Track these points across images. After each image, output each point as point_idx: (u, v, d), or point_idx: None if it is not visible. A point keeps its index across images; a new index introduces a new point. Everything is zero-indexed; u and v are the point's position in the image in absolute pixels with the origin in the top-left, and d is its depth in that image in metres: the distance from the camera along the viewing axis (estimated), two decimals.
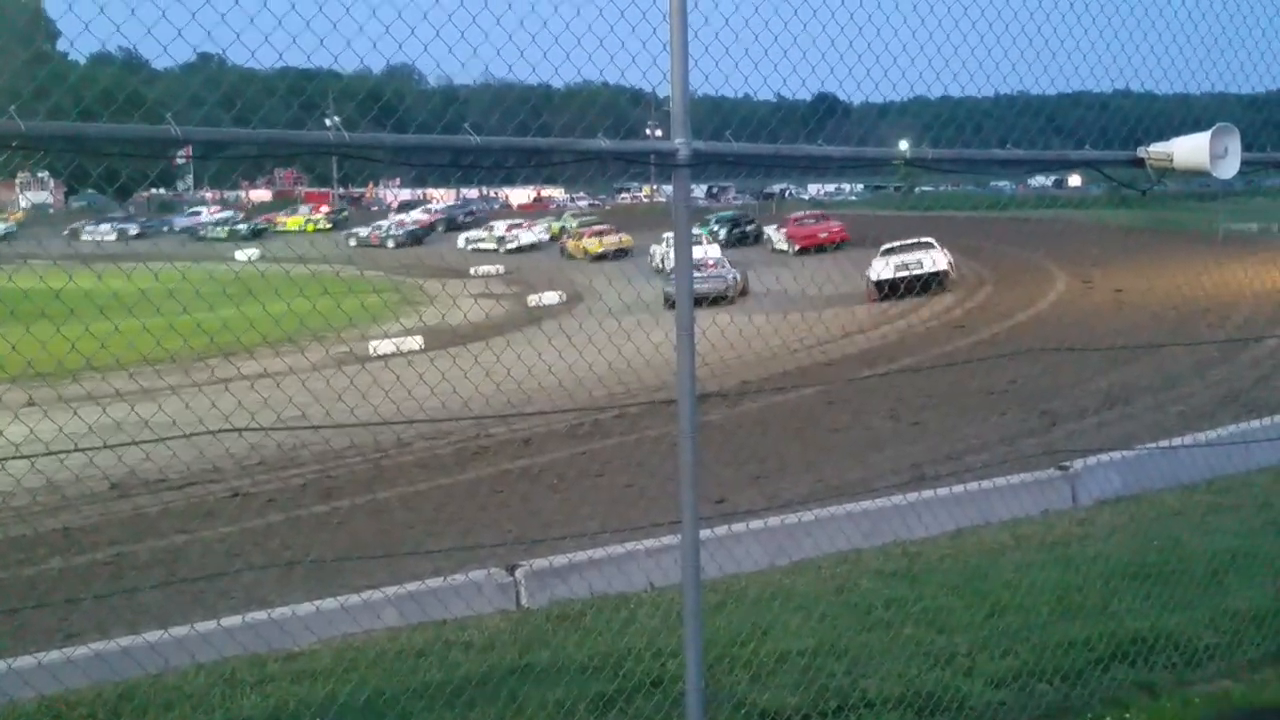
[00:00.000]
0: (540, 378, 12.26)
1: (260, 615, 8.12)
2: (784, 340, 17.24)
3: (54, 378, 21.27)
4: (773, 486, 15.01)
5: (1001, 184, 54.02)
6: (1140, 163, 6.49)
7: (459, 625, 8.24)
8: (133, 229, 68.82)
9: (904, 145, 6.96)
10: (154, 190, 76.01)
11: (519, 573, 9.04)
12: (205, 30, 5.07)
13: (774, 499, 13.63)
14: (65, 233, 64.39)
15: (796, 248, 50.13)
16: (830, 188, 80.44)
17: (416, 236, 67.54)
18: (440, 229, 70.58)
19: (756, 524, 9.65)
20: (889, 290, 33.96)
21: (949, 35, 6.78)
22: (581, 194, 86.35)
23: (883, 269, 36.12)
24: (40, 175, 75.78)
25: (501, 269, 52.66)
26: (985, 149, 6.72)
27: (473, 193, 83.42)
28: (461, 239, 67.19)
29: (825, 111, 7.31)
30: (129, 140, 5.30)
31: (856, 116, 8.62)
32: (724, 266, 38.29)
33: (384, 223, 69.76)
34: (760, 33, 5.91)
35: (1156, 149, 6.41)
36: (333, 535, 14.09)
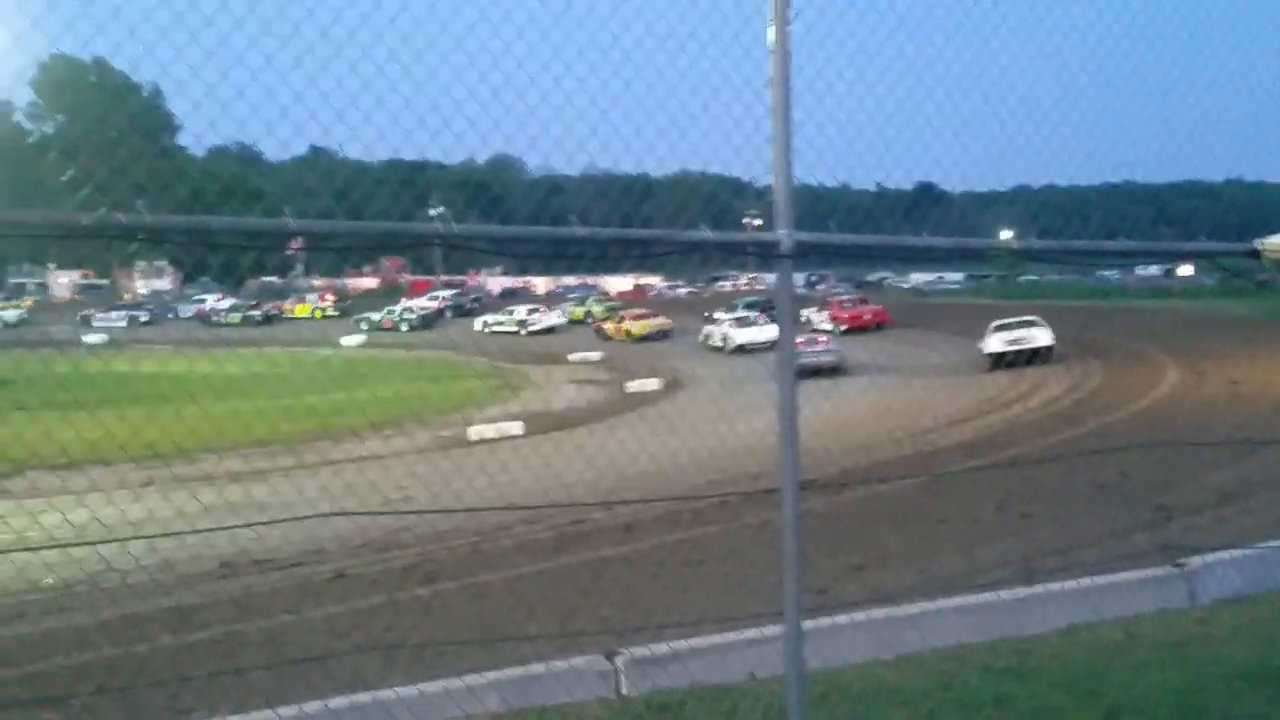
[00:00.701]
0: (640, 463, 12.35)
1: (364, 697, 8.17)
2: (885, 426, 17.07)
3: (172, 458, 21.88)
4: (876, 578, 14.81)
5: (1108, 273, 53.44)
6: (1256, 254, 6.41)
7: (559, 713, 8.21)
8: (143, 316, 71.88)
9: (1008, 235, 6.94)
10: (265, 279, 77.94)
11: (619, 660, 8.98)
12: (320, 125, 5.24)
13: (877, 591, 13.42)
14: (78, 319, 67.23)
15: (843, 328, 54.31)
16: (930, 275, 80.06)
17: (427, 321, 69.53)
18: (448, 314, 72.69)
19: (860, 616, 9.52)
20: (1001, 362, 39.10)
21: (1055, 125, 6.78)
22: (679, 281, 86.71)
23: (996, 343, 41.60)
24: (158, 264, 78.11)
25: (599, 355, 52.93)
26: (1093, 239, 6.68)
27: (572, 280, 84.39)
28: (479, 322, 68.74)
29: (926, 200, 7.32)
30: (248, 232, 5.48)
31: (958, 205, 8.61)
32: (832, 341, 41.55)
33: (395, 308, 71.59)
34: (862, 125, 5.97)
35: (1272, 241, 6.34)
36: (434, 618, 14.14)
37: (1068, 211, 7.38)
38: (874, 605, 10.59)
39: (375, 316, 69.94)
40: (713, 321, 57.38)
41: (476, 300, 77.52)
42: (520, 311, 68.68)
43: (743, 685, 8.27)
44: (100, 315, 70.52)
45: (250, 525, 8.75)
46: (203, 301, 76.65)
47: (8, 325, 60.87)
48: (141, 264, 79.29)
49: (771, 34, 5.26)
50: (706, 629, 9.98)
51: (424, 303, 73.64)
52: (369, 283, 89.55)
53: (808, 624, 6.22)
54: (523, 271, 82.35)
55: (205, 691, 10.77)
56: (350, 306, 74.23)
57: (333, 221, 5.42)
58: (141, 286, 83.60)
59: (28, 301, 76.72)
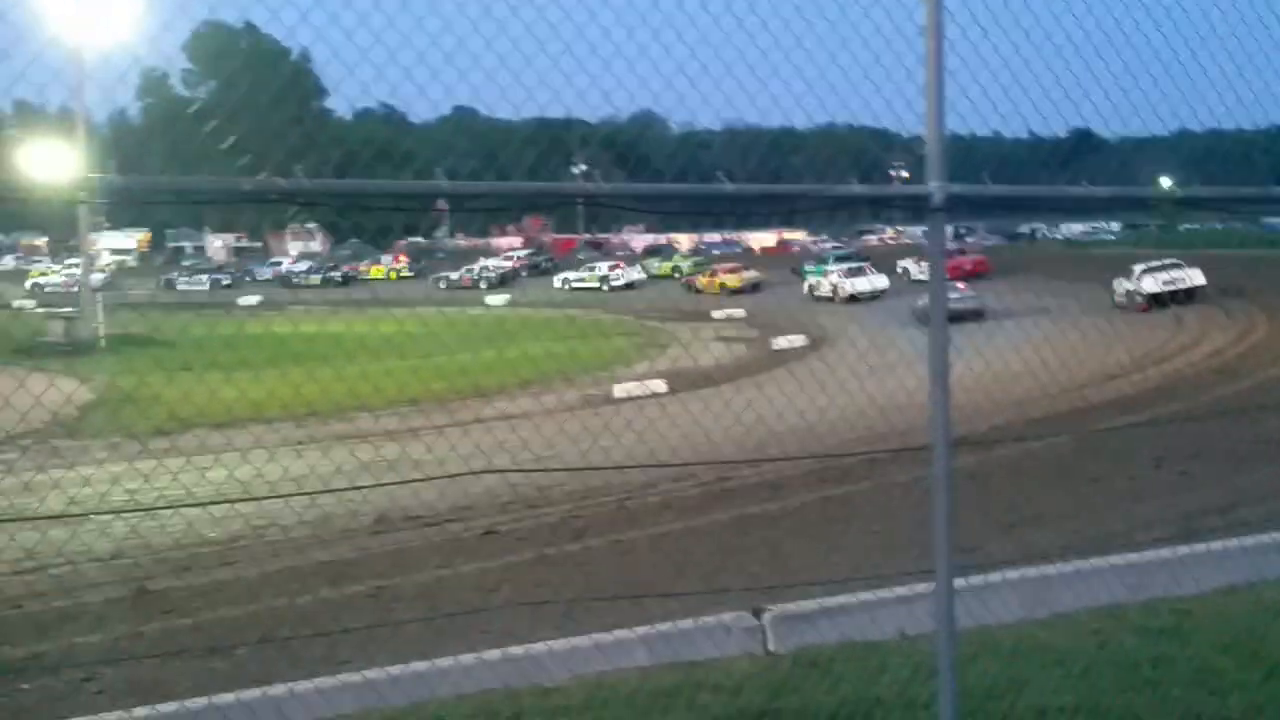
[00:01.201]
0: (787, 420, 12.33)
1: (516, 650, 8.33)
2: (1039, 381, 16.72)
3: (330, 416, 22.49)
4: (1028, 537, 14.58)
5: (1276, 220, 51.57)
6: None
7: (707, 667, 8.27)
8: (225, 280, 73.81)
9: (1168, 182, 6.74)
10: (411, 239, 79.31)
11: (766, 617, 9.00)
12: (454, 85, 5.30)
13: (1029, 549, 13.21)
14: (162, 282, 70.37)
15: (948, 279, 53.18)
16: (1085, 226, 77.82)
17: (504, 279, 70.30)
18: (524, 274, 73.28)
19: (1012, 574, 9.39)
20: (1157, 302, 42.12)
21: (1220, 65, 6.53)
22: (823, 236, 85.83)
23: (1150, 284, 43.87)
24: (309, 226, 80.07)
25: (742, 312, 52.78)
26: (1261, 186, 6.44)
27: (714, 236, 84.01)
28: (559, 279, 68.97)
29: (1084, 148, 7.14)
30: (400, 195, 5.59)
31: (1116, 152, 8.37)
32: (969, 289, 41.90)
33: (474, 266, 72.29)
34: (1018, 70, 5.84)
35: None
36: (582, 574, 14.33)
37: (1233, 157, 7.13)
38: (1026, 564, 10.44)
39: (454, 275, 70.75)
40: (804, 274, 59.03)
41: (550, 260, 78.12)
42: (602, 268, 69.52)
43: (892, 643, 8.24)
44: (185, 278, 72.84)
45: (404, 482, 8.99)
46: (279, 264, 78.56)
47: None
48: (293, 227, 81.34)
49: None
50: (854, 586, 9.94)
51: (499, 262, 74.42)
52: (512, 242, 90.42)
53: (959, 582, 6.17)
54: (666, 228, 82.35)
55: (362, 643, 11.05)
56: (424, 267, 75.50)
57: (483, 183, 5.49)
58: (293, 249, 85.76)
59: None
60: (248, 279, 74.29)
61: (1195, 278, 43.68)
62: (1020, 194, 5.86)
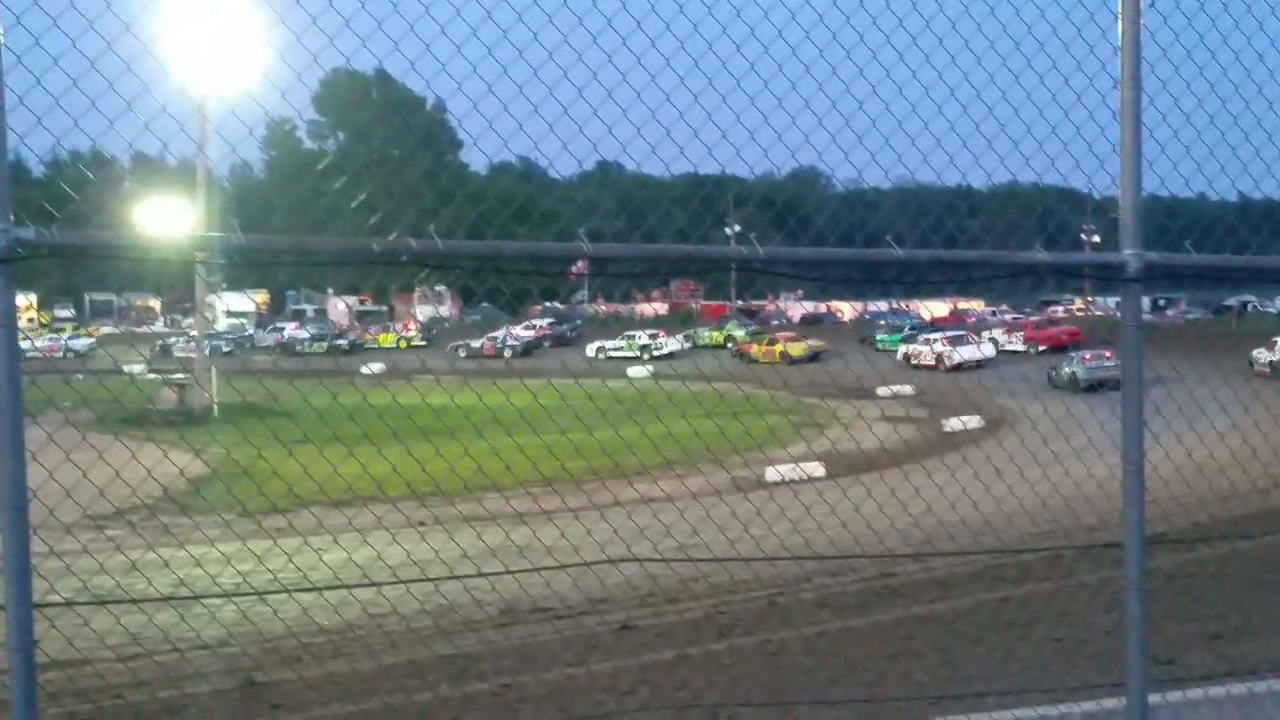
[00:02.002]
0: (960, 510, 12.17)
1: None
2: (1247, 473, 16.23)
3: (457, 496, 22.79)
4: (1234, 649, 14.09)
5: None
6: None
7: None
8: (225, 346, 73.83)
9: None
10: (546, 303, 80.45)
11: None
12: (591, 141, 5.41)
13: (1235, 664, 12.79)
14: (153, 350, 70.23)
15: (1041, 347, 61.16)
16: None
17: (529, 348, 72.18)
18: (547, 344, 75.04)
19: (1216, 690, 9.11)
20: None
21: None
22: (1003, 306, 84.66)
23: None
24: (438, 289, 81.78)
25: (910, 389, 52.26)
26: None
27: (880, 305, 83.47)
28: (591, 348, 69.96)
29: None
30: (539, 257, 5.70)
31: None
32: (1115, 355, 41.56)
33: (498, 334, 74.14)
34: (1225, 126, 5.77)
35: None
36: (727, 676, 14.24)
37: None
38: (1232, 680, 10.11)
39: (475, 343, 72.35)
40: (877, 343, 65.83)
41: (575, 329, 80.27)
42: (642, 336, 71.77)
43: None
44: (180, 343, 73.97)
45: (535, 570, 9.08)
46: (281, 329, 79.97)
47: (79, 355, 64.60)
48: (422, 290, 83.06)
49: (1120, 28, 5.14)
50: (1034, 700, 9.74)
51: (521, 331, 76.21)
52: (658, 308, 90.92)
53: (1154, 698, 6.03)
54: (824, 295, 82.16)
55: None
56: (435, 336, 77.41)
57: (629, 245, 5.58)
58: (420, 312, 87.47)
59: (95, 329, 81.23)
60: (247, 345, 75.94)
61: None
62: (1227, 264, 5.74)
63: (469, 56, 5.18)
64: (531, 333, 76.17)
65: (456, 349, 71.15)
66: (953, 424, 41.41)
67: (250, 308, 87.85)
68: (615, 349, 69.11)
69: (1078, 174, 5.70)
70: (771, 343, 66.83)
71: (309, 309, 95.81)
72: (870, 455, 32.59)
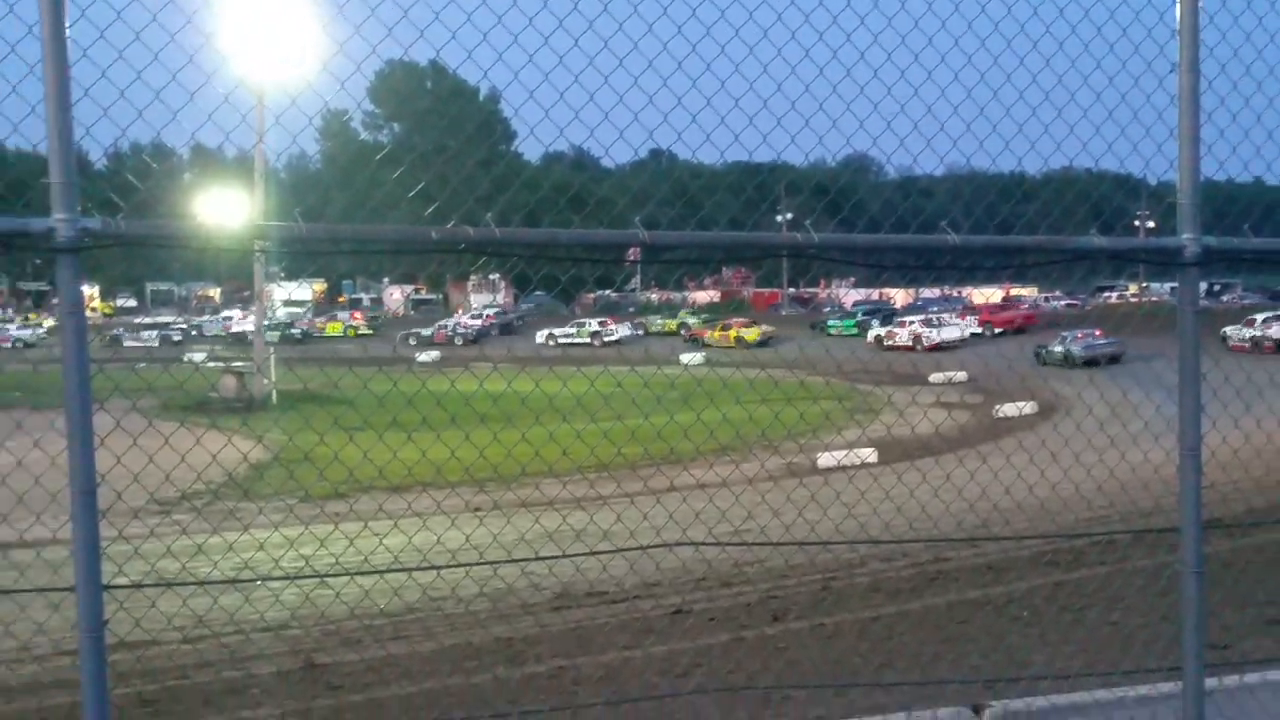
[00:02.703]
0: (1015, 495, 12.11)
1: None
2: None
3: (514, 481, 22.93)
4: None
5: None
6: None
7: None
8: (175, 336, 77.13)
9: None
10: (600, 291, 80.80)
11: (987, 713, 8.83)
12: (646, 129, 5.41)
13: None
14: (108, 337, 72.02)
15: (997, 330, 66.15)
16: None
17: (479, 336, 75.15)
18: (494, 331, 77.78)
19: (1273, 674, 9.02)
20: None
21: None
22: (1056, 292, 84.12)
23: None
24: (493, 277, 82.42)
25: (964, 375, 52.00)
26: None
27: (933, 292, 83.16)
28: (542, 334, 72.50)
29: None
30: (595, 245, 5.72)
31: None
32: (1105, 334, 51.27)
33: (448, 322, 77.46)
34: None
35: None
36: (781, 659, 14.24)
37: None
38: None
39: (425, 331, 74.76)
40: (828, 328, 71.24)
41: (521, 319, 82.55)
42: (592, 324, 75.01)
43: None
44: (130, 334, 75.81)
45: (591, 554, 9.12)
46: (229, 319, 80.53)
47: (27, 345, 65.21)
48: (476, 278, 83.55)
49: (1178, 12, 5.09)
50: (1088, 683, 9.68)
51: (469, 320, 79.03)
52: (710, 295, 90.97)
53: (1210, 682, 5.98)
54: (879, 283, 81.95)
55: None
56: (381, 325, 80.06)
57: (684, 233, 5.57)
58: (476, 301, 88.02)
59: (39, 318, 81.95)
60: (194, 333, 77.85)
61: None
62: None
63: (523, 47, 5.21)
64: (479, 321, 78.74)
65: (407, 337, 73.62)
66: (1006, 409, 41.20)
67: (308, 296, 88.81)
68: (565, 335, 72.05)
69: (1134, 159, 5.66)
70: (726, 328, 71.00)
71: (365, 298, 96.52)
72: (924, 440, 32.49)
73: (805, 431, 31.98)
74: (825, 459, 30.94)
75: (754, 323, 72.58)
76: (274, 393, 47.57)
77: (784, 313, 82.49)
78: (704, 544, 9.28)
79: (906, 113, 5.35)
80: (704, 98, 5.27)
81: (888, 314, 72.08)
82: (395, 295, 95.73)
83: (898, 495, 10.25)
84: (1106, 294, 79.85)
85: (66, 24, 4.35)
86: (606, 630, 16.13)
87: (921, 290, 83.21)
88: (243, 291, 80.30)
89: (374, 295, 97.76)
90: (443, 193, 6.85)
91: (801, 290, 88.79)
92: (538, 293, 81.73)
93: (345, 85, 5.45)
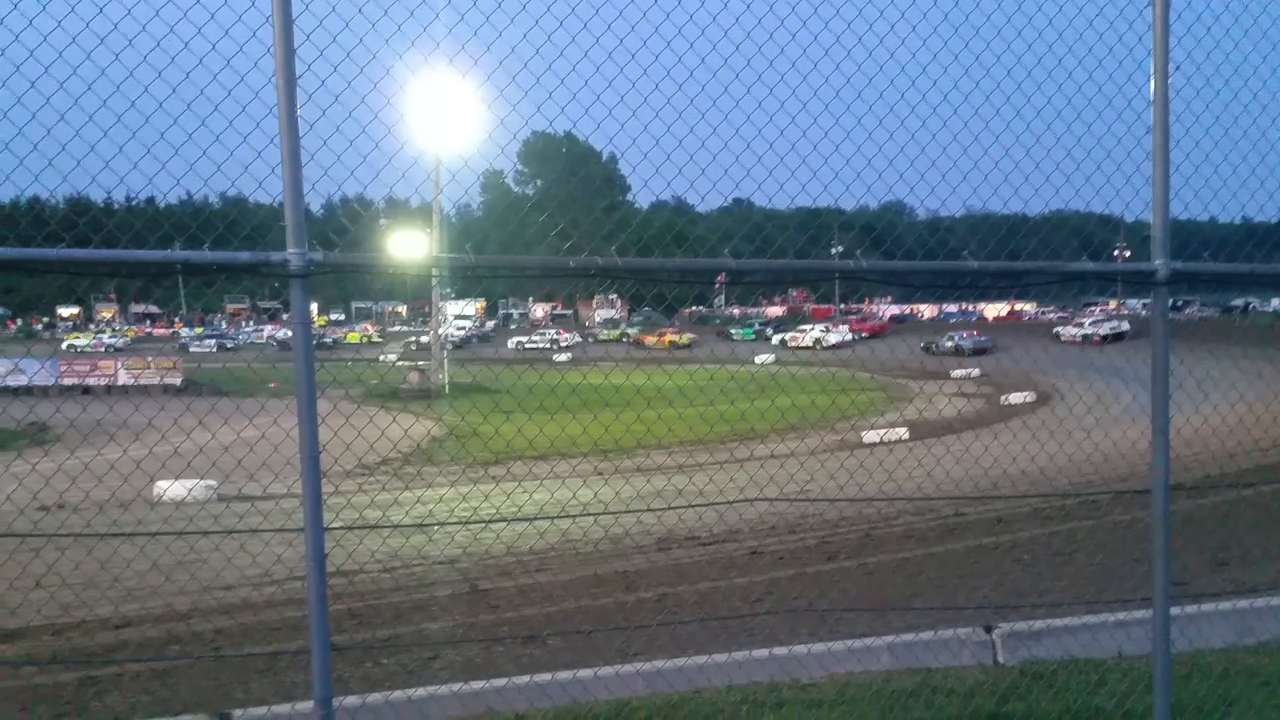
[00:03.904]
0: (1011, 465, 11.95)
1: (780, 650, 8.32)
2: (1251, 436, 15.61)
3: (620, 453, 23.07)
4: (1237, 574, 13.58)
5: None
6: None
7: (942, 674, 8.07)
8: (229, 343, 75.15)
9: None
10: (695, 308, 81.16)
11: (996, 633, 8.72)
12: (734, 181, 5.43)
13: (1238, 585, 12.34)
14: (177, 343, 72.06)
15: (864, 335, 66.98)
16: None
17: (463, 342, 74.38)
18: (475, 340, 77.70)
19: (1224, 604, 8.82)
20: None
21: None
22: (1052, 307, 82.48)
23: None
24: (612, 296, 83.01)
25: (976, 371, 51.20)
26: None
27: (952, 307, 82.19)
28: (513, 342, 74.19)
29: None
30: (693, 270, 5.73)
31: None
32: (979, 333, 56.95)
33: (444, 330, 75.74)
34: (1235, 163, 5.58)
35: None
36: (834, 589, 14.15)
37: None
38: (1235, 596, 9.76)
39: (424, 339, 73.57)
40: (733, 336, 72.60)
41: (492, 332, 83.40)
42: (551, 333, 76.58)
43: (1110, 661, 7.87)
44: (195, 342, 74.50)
45: (688, 506, 9.17)
46: (262, 329, 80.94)
47: (118, 350, 65.36)
48: (599, 297, 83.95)
49: (1153, 86, 5.01)
50: (1077, 610, 9.52)
51: (453, 331, 77.61)
52: (779, 310, 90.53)
53: (1173, 610, 5.86)
54: (909, 300, 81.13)
55: (650, 639, 11.22)
56: (385, 333, 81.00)
57: (755, 261, 5.57)
58: (599, 315, 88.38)
59: (133, 331, 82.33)
60: (229, 344, 75.79)
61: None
62: (1239, 271, 5.55)
63: (639, 119, 5.26)
64: (462, 332, 78.70)
65: (410, 343, 74.17)
66: (1011, 398, 40.50)
67: (472, 312, 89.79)
68: (530, 343, 73.50)
69: (1116, 201, 5.58)
70: (661, 335, 72.74)
71: (515, 313, 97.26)
72: (945, 422, 32.11)
73: (853, 415, 31.74)
74: (868, 436, 30.70)
75: (680, 331, 74.11)
76: (447, 384, 48.20)
77: (911, 322, 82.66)
78: (775, 499, 9.25)
79: (937, 166, 5.31)
80: (778, 156, 5.28)
81: (778, 324, 75.13)
82: (538, 311, 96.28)
83: (926, 463, 10.20)
84: (1091, 307, 78.20)
85: (299, 107, 4.46)
86: (699, 566, 16.13)
87: (944, 305, 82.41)
88: (424, 308, 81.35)
89: (522, 311, 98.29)
90: (575, 233, 6.91)
91: (850, 305, 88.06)
92: (646, 308, 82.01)
93: (500, 150, 5.51)
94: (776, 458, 18.64)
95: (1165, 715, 5.19)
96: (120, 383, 52.84)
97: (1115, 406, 10.28)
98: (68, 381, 51.46)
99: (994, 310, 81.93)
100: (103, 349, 67.09)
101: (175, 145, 4.59)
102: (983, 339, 61.12)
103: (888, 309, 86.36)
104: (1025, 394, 40.42)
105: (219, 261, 4.50)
